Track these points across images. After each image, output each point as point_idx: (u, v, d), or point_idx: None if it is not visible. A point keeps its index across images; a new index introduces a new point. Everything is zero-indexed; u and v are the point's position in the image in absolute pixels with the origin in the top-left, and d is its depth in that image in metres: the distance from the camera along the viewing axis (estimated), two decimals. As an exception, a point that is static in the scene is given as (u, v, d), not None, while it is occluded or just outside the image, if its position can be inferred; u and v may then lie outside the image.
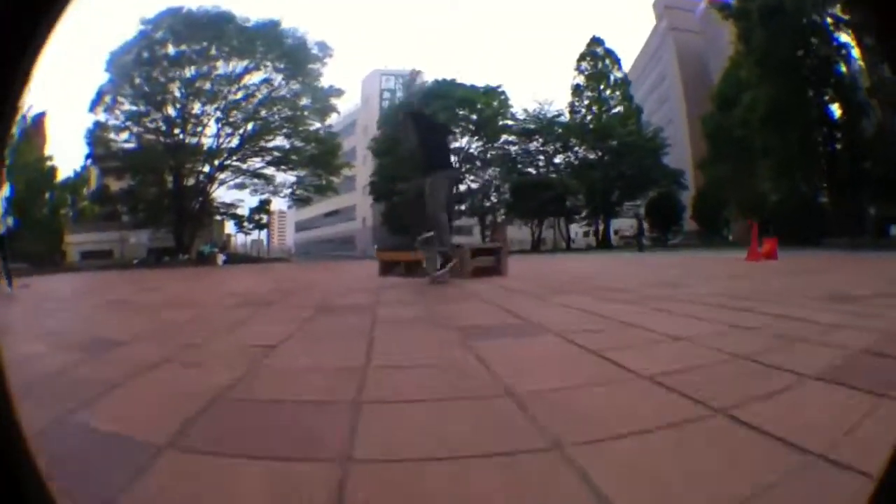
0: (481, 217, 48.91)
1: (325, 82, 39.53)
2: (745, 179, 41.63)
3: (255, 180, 39.42)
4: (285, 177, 40.29)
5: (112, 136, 36.65)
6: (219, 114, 37.18)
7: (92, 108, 36.39)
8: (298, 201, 42.76)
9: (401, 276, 8.82)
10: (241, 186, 39.64)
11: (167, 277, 14.43)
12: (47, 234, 46.24)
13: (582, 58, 55.12)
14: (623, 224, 55.18)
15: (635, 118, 52.95)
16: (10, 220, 43.29)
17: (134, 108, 36.19)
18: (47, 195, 48.70)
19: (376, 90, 64.64)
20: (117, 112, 35.96)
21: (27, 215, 46.52)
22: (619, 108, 52.99)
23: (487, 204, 48.40)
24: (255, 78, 37.52)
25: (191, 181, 37.20)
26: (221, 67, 36.82)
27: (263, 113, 37.93)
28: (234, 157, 38.18)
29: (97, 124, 36.93)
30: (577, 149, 51.45)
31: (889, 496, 0.52)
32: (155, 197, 37.58)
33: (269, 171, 39.35)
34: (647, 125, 53.73)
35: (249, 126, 37.95)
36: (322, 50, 38.85)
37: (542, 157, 51.03)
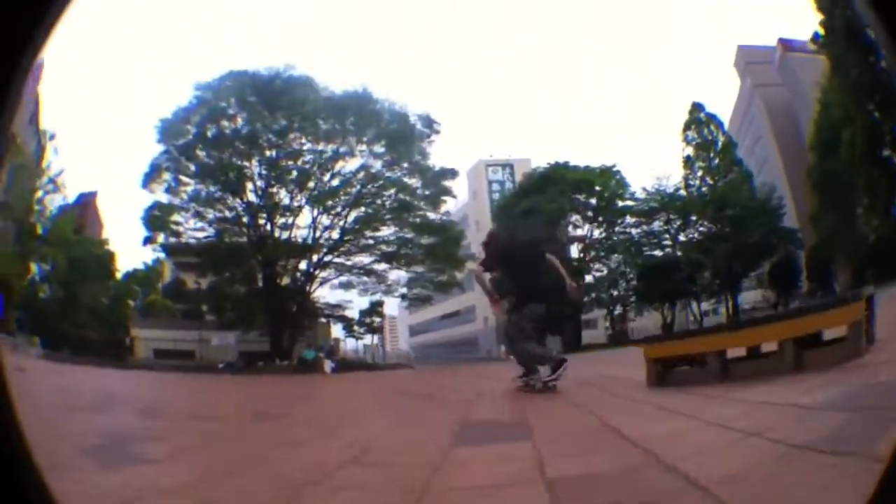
0: (609, 308, 41.80)
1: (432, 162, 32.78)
2: (851, 224, 37.78)
3: (365, 278, 32.02)
4: (399, 273, 33.10)
5: (178, 220, 30.30)
6: (312, 203, 30.16)
7: (145, 185, 29.97)
8: (416, 300, 36.01)
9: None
10: (347, 286, 32.15)
11: (272, 388, 12.55)
12: (105, 321, 39.72)
13: (686, 127, 48.85)
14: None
15: (748, 182, 47.10)
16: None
17: (202, 188, 29.75)
18: (109, 284, 42.45)
19: (484, 182, 57.77)
20: (182, 194, 29.77)
21: (71, 297, 40.30)
22: (731, 175, 47.56)
23: (614, 293, 41.14)
24: (350, 165, 30.55)
25: (286, 279, 30.34)
26: (307, 147, 30.02)
27: (366, 200, 30.60)
28: (336, 253, 30.83)
29: (156, 205, 30.30)
30: (698, 224, 44.61)
31: (889, 496, 0.50)
32: (244, 295, 30.74)
33: (381, 266, 32.00)
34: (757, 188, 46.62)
35: (351, 216, 30.59)
36: (427, 125, 31.66)
37: (666, 237, 44.20)
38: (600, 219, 41.04)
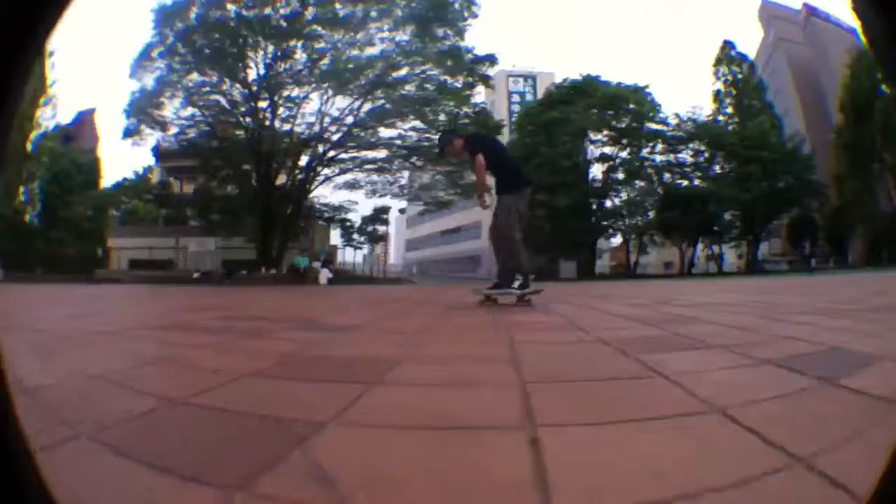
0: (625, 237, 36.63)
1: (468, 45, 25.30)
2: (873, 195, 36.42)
3: (374, 177, 25.58)
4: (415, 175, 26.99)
5: (165, 113, 24.04)
6: (321, 81, 23.45)
7: (134, 72, 23.57)
8: (433, 206, 28.25)
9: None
10: (352, 186, 25.79)
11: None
12: (82, 235, 34.27)
13: (718, 62, 44.63)
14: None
15: (777, 129, 41.46)
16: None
17: (197, 77, 23.47)
18: (92, 194, 36.78)
19: (504, 93, 53.57)
20: (174, 85, 23.41)
21: (50, 213, 34.97)
22: (761, 117, 42.05)
23: (636, 222, 35.79)
24: (369, 51, 23.92)
25: (283, 178, 24.41)
26: (316, 14, 23.01)
27: (385, 88, 23.61)
28: (344, 148, 24.48)
29: (142, 91, 23.50)
30: (727, 161, 39.09)
31: (889, 496, 0.47)
32: (233, 196, 25.26)
33: (395, 164, 25.34)
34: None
35: (365, 107, 24.07)
36: (465, 5, 23.98)
37: (691, 169, 38.60)
38: (625, 140, 35.62)
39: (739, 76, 45.36)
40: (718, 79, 45.27)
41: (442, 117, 23.21)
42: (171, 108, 23.20)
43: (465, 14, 23.38)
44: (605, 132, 35.67)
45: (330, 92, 23.07)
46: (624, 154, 36.18)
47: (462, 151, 6.51)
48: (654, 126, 36.47)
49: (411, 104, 22.87)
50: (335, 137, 23.43)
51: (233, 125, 23.33)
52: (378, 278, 25.51)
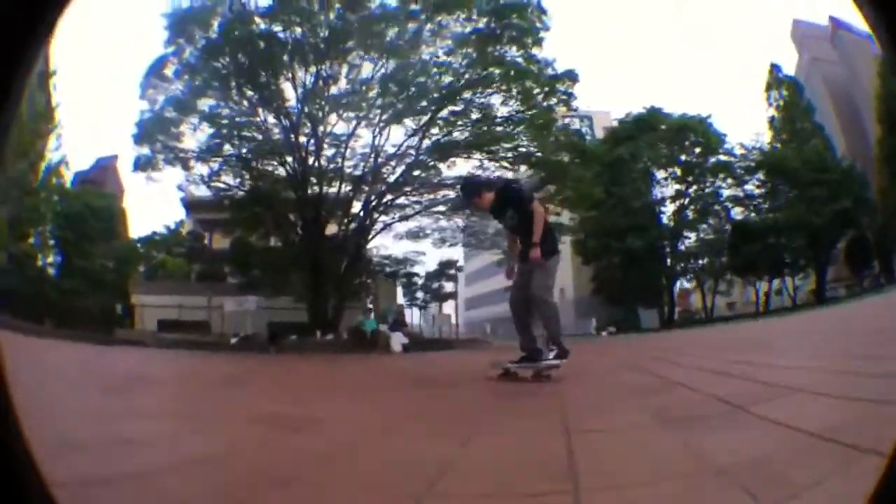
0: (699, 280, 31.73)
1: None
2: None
3: (443, 222, 20.78)
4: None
5: (186, 142, 19.75)
6: (373, 114, 18.87)
7: (143, 93, 19.20)
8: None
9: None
10: (415, 235, 21.27)
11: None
12: (102, 287, 29.87)
13: (768, 87, 40.60)
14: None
15: (830, 149, 38.15)
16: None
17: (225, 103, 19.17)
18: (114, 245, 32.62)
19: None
20: (194, 108, 19.11)
21: (65, 260, 30.47)
22: (814, 140, 38.37)
23: (710, 262, 30.99)
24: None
25: (333, 227, 19.98)
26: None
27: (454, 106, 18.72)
28: (406, 188, 19.87)
29: (155, 116, 19.05)
30: (790, 189, 34.82)
31: (889, 496, 0.47)
32: (276, 249, 20.95)
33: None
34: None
35: (427, 139, 19.04)
36: (537, 13, 19.26)
37: (764, 200, 34.19)
38: (693, 175, 31.38)
39: (788, 99, 41.93)
40: (770, 104, 41.32)
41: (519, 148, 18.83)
42: (195, 141, 19.10)
43: (538, 25, 19.14)
44: (673, 168, 31.76)
45: (383, 122, 18.86)
46: (691, 190, 32.23)
47: (489, 205, 5.48)
48: (722, 157, 32.86)
49: (481, 137, 18.59)
50: (392, 178, 19.28)
51: (270, 162, 19.23)
52: (453, 341, 20.94)
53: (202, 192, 21.69)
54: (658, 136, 29.14)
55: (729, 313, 38.42)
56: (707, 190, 32.04)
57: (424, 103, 18.27)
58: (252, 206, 19.65)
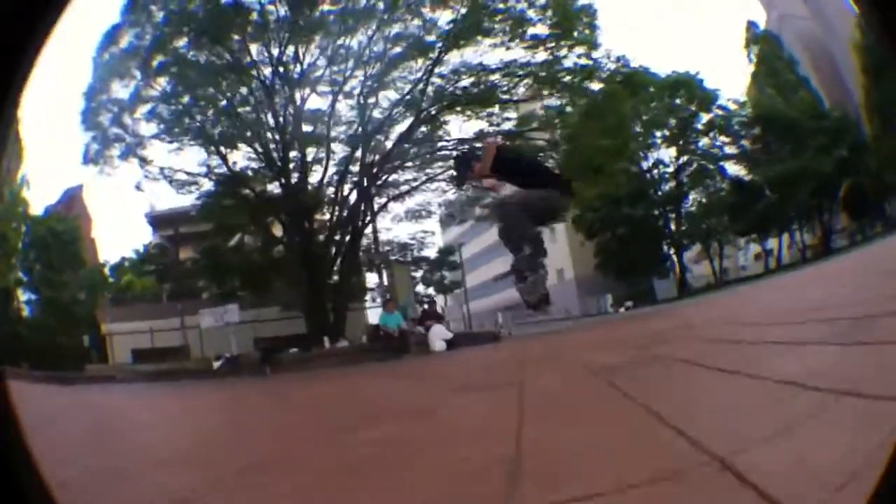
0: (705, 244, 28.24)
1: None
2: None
3: (451, 195, 16.38)
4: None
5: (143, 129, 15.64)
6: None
7: (95, 73, 15.00)
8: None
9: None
10: (418, 215, 16.96)
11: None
12: (70, 321, 24.93)
13: (747, 44, 38.04)
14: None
15: (819, 100, 35.35)
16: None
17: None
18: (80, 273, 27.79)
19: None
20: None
21: (50, 304, 25.30)
22: (800, 92, 35.48)
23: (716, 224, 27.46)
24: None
25: (324, 215, 15.82)
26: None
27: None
28: (400, 162, 15.49)
29: (105, 96, 15.02)
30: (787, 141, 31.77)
31: (889, 496, 0.44)
32: (254, 249, 16.86)
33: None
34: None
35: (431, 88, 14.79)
36: None
37: (760, 156, 30.98)
38: (687, 134, 27.92)
39: (769, 54, 39.11)
40: (751, 61, 38.67)
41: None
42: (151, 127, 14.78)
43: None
44: (665, 129, 28.27)
45: (369, 85, 14.59)
46: (688, 150, 28.83)
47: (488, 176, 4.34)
48: (716, 115, 29.50)
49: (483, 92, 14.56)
50: (386, 149, 15.10)
51: (241, 145, 14.92)
52: (495, 333, 16.60)
53: (164, 200, 17.52)
54: (650, 95, 25.48)
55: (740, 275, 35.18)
56: (701, 149, 28.75)
57: (417, 58, 14.12)
58: (223, 203, 15.35)
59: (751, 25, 39.94)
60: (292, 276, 14.33)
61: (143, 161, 15.61)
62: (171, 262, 19.58)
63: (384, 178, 15.27)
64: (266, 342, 14.03)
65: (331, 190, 15.04)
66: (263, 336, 15.95)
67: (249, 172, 14.83)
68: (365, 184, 14.79)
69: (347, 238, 14.80)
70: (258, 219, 14.94)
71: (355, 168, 14.86)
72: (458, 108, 14.41)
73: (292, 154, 14.31)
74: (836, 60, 42.79)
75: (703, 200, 28.39)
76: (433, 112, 14.47)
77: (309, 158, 14.45)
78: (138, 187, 16.73)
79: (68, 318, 23.78)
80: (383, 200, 15.70)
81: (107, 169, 15.33)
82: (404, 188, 15.77)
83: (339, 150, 15.33)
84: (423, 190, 15.67)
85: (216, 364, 13.99)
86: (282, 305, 15.07)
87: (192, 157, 15.03)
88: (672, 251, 26.94)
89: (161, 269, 19.97)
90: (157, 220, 20.32)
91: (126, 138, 15.13)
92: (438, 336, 11.16)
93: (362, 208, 15.14)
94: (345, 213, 14.97)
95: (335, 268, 14.66)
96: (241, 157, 15.05)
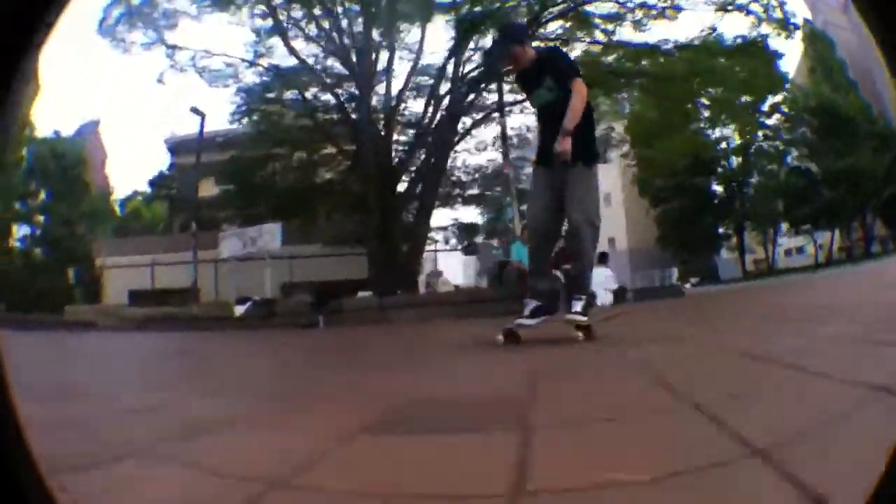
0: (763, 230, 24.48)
1: None
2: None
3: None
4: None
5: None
6: None
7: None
8: None
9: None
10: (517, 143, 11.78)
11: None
12: (69, 257, 19.75)
13: (805, 38, 35.55)
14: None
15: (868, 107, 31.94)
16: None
17: None
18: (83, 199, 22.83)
19: None
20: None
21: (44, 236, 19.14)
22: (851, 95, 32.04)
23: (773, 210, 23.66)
24: None
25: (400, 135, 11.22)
26: None
27: None
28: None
29: None
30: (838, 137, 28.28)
31: (889, 496, 0.42)
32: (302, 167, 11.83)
33: None
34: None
35: None
36: None
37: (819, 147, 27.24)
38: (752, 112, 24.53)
39: (823, 53, 35.45)
40: (809, 56, 35.06)
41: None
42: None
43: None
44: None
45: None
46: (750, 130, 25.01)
47: (527, 63, 2.94)
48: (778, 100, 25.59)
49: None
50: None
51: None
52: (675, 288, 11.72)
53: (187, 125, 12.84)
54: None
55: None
56: (764, 132, 25.10)
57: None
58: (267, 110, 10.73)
59: (807, 22, 36.15)
60: (360, 204, 9.79)
61: (171, 48, 10.93)
62: (189, 186, 14.84)
63: (470, 99, 10.67)
64: (316, 288, 9.40)
65: (413, 104, 10.53)
66: (296, 281, 11.36)
67: (312, 68, 10.25)
68: (454, 102, 10.23)
69: (432, 160, 10.34)
70: (321, 127, 10.41)
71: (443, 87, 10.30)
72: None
73: (370, 68, 9.77)
74: (874, 75, 38.71)
75: (764, 182, 25.06)
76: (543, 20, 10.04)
77: (391, 61, 9.92)
78: (160, 80, 12.01)
79: (62, 252, 19.04)
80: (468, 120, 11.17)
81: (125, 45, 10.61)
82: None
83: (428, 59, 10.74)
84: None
85: (239, 309, 9.41)
86: (331, 240, 10.59)
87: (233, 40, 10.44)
88: (732, 231, 23.47)
89: (175, 195, 15.34)
90: (178, 147, 15.73)
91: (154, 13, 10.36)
92: (604, 285, 6.92)
93: (450, 126, 10.58)
94: (428, 134, 10.45)
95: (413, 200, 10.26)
96: (304, 45, 10.47)
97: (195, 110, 11.08)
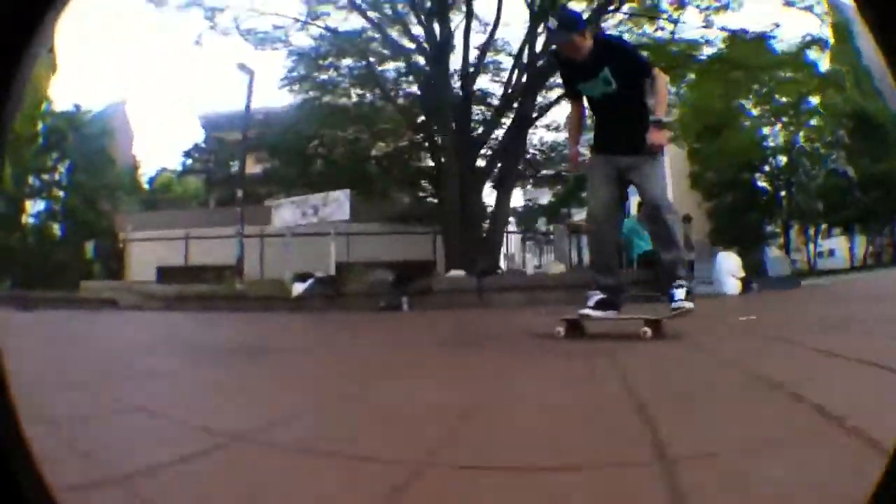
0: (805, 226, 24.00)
1: None
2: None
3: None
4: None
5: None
6: None
7: None
8: None
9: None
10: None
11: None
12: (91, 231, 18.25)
13: (837, 42, 35.05)
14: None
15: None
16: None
17: None
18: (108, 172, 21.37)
19: None
20: None
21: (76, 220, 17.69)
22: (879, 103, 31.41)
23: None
24: None
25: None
26: None
27: None
28: None
29: None
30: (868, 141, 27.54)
31: (889, 496, 0.41)
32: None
33: None
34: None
35: None
36: None
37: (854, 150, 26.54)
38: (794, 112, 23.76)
39: (852, 61, 34.70)
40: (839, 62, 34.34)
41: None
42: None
43: None
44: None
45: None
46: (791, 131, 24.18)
47: (584, 54, 2.73)
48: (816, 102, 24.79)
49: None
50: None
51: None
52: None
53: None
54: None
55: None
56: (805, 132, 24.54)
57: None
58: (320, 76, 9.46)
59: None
60: (435, 179, 8.56)
61: (211, 10, 9.66)
62: (230, 159, 13.46)
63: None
64: (401, 267, 8.10)
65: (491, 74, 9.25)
66: (352, 261, 10.10)
67: (376, 29, 9.02)
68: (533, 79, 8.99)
69: (511, 136, 9.14)
70: (389, 97, 9.16)
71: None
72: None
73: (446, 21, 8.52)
74: (886, 82, 38.03)
75: (806, 182, 24.50)
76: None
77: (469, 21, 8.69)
78: (198, 42, 10.73)
79: (80, 226, 17.69)
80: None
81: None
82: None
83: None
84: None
85: (298, 287, 8.17)
86: (395, 217, 9.38)
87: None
88: (780, 229, 22.91)
89: (213, 168, 13.96)
90: (212, 122, 14.44)
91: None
92: (731, 272, 5.96)
93: (530, 103, 9.29)
94: (509, 108, 9.20)
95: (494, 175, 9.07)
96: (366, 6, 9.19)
97: (243, 67, 9.81)
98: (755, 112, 22.17)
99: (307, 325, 5.12)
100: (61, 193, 19.10)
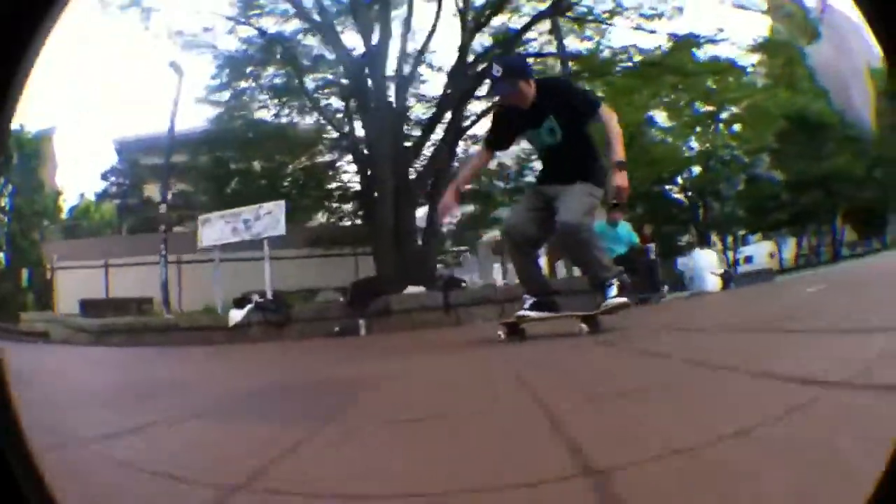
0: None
1: None
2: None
3: None
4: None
5: None
6: None
7: None
8: None
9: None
10: None
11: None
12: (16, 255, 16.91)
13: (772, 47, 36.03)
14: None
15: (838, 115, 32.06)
16: None
17: None
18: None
19: None
20: None
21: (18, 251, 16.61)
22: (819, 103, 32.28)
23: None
24: None
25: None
26: None
27: None
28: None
29: None
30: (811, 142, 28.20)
31: (889, 496, 0.41)
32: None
33: None
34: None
35: None
36: None
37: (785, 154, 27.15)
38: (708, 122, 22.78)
39: (793, 61, 35.61)
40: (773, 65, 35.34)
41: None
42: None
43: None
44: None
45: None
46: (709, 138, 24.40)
47: (528, 102, 2.66)
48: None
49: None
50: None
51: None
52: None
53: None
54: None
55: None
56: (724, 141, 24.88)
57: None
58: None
59: (774, 31, 36.67)
60: (365, 194, 7.94)
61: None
62: (137, 187, 12.51)
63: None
64: (362, 287, 7.32)
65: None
66: (285, 289, 9.28)
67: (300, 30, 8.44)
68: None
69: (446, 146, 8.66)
70: (316, 105, 8.55)
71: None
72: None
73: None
74: (848, 83, 39.40)
75: (724, 191, 24.95)
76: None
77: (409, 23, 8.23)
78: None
79: (16, 253, 16.30)
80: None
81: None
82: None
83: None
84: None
85: (236, 315, 7.23)
86: (316, 240, 8.66)
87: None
88: (697, 241, 23.13)
89: (127, 192, 12.94)
90: (123, 148, 13.42)
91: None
92: (710, 268, 5.82)
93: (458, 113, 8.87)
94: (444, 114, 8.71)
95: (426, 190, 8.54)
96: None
97: (174, 66, 9.01)
98: (667, 124, 22.51)
99: (249, 357, 4.38)
100: (6, 219, 17.60)
